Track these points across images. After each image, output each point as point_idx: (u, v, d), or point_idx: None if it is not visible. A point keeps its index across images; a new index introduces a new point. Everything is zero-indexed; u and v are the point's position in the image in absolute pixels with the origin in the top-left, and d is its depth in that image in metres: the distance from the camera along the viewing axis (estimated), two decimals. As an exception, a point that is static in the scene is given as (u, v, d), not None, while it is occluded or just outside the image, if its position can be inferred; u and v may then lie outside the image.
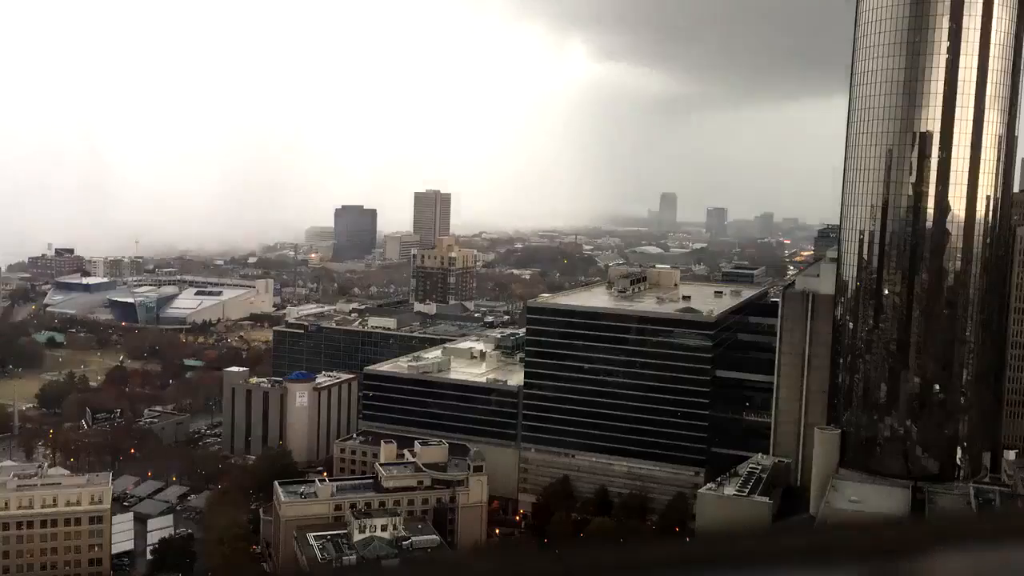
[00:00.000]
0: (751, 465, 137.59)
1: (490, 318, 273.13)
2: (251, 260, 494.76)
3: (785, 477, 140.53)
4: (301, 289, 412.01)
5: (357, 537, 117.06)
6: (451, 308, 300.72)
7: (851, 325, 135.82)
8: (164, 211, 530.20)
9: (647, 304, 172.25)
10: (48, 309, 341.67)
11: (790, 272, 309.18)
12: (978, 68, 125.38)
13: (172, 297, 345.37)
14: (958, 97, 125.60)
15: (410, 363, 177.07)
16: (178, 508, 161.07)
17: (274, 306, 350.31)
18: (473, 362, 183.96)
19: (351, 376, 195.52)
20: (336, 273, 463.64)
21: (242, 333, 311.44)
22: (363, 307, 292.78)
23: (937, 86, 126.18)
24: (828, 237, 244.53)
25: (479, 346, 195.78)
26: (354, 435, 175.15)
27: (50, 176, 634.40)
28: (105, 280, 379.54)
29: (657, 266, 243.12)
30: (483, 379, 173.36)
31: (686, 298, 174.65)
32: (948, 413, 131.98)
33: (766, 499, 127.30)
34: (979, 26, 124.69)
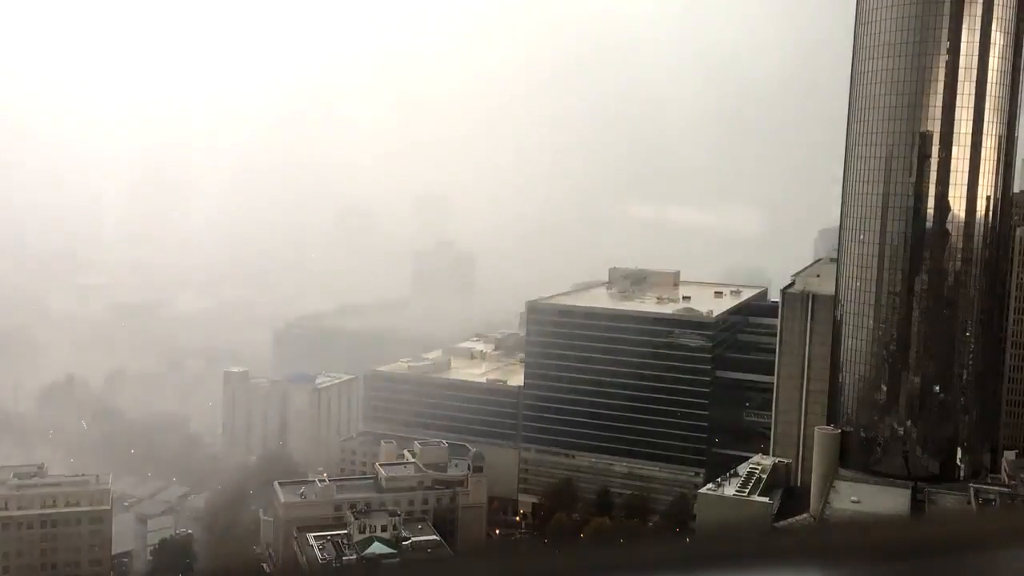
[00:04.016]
0: (751, 465, 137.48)
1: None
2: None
3: (785, 477, 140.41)
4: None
5: (357, 537, 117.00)
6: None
7: (851, 325, 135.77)
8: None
9: (647, 304, 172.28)
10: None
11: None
12: (978, 68, 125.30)
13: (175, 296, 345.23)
14: (958, 97, 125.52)
15: (410, 363, 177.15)
16: (178, 508, 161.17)
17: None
18: (473, 362, 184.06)
19: (351, 376, 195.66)
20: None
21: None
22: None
23: (937, 86, 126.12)
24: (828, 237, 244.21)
25: (479, 346, 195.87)
26: (354, 435, 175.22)
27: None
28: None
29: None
30: (483, 379, 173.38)
31: (686, 298, 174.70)
32: (948, 413, 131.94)
33: (766, 499, 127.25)
34: (979, 26, 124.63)
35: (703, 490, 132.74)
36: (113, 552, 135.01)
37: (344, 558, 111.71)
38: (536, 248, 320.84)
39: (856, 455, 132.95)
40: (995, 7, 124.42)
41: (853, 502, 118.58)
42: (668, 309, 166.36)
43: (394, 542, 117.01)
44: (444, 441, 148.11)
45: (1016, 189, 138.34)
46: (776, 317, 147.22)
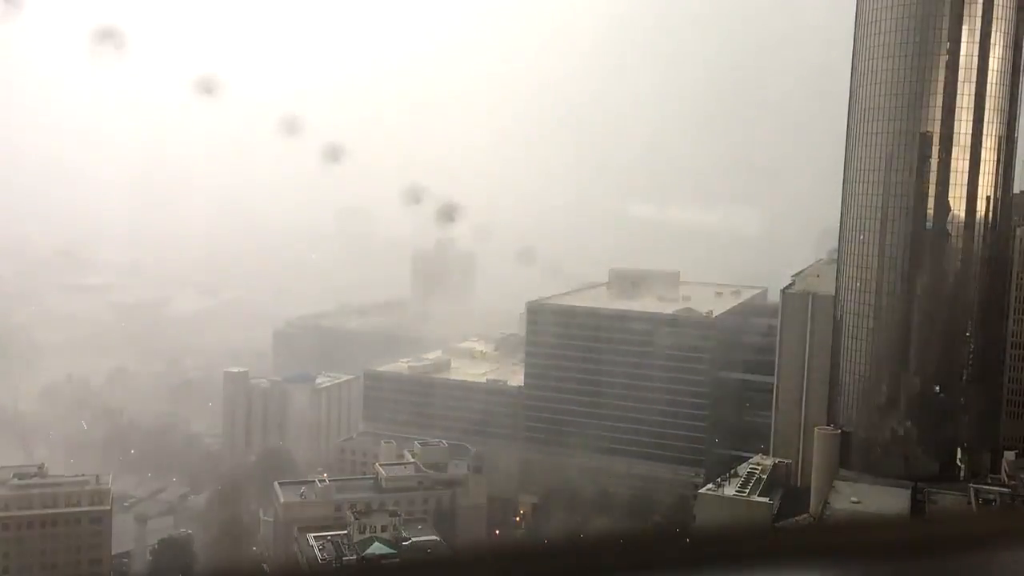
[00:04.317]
0: (751, 465, 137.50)
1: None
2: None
3: (785, 477, 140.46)
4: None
5: (357, 537, 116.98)
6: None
7: (851, 325, 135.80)
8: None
9: (647, 304, 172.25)
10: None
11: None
12: (978, 68, 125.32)
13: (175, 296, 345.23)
14: (958, 97, 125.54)
15: (410, 363, 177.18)
16: (178, 508, 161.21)
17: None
18: (473, 362, 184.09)
19: (351, 376, 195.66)
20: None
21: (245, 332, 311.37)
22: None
23: (937, 86, 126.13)
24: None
25: (479, 346, 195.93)
26: (354, 435, 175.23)
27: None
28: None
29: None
30: (483, 379, 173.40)
31: (686, 298, 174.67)
32: (948, 413, 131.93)
33: (766, 499, 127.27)
34: (979, 26, 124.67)
35: (703, 490, 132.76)
36: (113, 552, 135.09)
37: (344, 558, 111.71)
38: (536, 248, 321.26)
39: (856, 455, 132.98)
40: (995, 7, 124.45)
41: (853, 502, 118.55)
42: (668, 309, 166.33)
43: (394, 542, 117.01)
44: (444, 441, 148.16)
45: (1016, 189, 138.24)
46: (776, 317, 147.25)
